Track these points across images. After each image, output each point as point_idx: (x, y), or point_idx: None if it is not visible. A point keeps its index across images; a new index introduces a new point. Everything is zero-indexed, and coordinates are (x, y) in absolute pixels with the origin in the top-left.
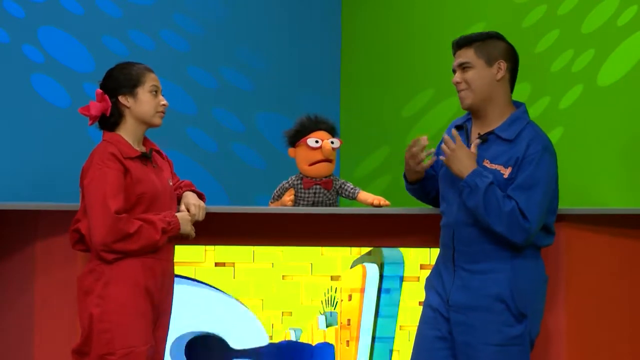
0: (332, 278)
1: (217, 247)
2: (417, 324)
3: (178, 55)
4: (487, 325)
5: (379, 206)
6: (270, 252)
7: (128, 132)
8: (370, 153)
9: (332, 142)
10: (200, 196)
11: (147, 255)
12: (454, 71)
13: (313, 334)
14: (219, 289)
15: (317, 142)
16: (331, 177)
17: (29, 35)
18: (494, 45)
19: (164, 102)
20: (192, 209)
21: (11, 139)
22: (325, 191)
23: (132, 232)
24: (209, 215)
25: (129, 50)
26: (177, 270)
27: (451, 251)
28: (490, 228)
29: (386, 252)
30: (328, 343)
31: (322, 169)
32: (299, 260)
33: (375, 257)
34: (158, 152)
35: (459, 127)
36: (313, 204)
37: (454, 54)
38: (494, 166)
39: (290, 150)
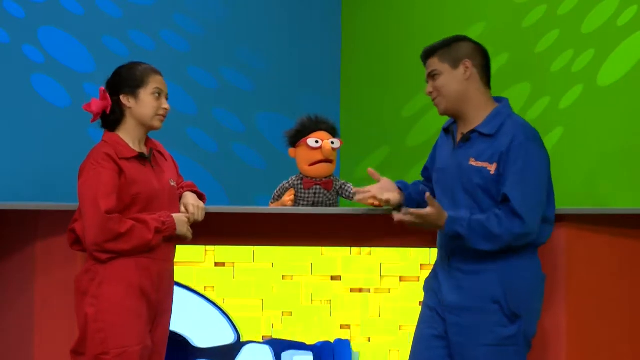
0: (332, 278)
1: (217, 247)
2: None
3: (178, 55)
4: (481, 325)
5: (379, 206)
6: (270, 252)
7: (128, 132)
8: (370, 153)
9: (332, 143)
10: (201, 197)
11: (142, 255)
12: (427, 83)
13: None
14: (186, 286)
15: (317, 142)
16: (331, 178)
17: (29, 35)
18: (456, 48)
19: (166, 105)
20: (191, 209)
21: (11, 139)
22: (326, 192)
23: (124, 232)
24: (208, 215)
25: (129, 50)
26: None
27: (446, 252)
28: (497, 249)
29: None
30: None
31: (322, 169)
32: (299, 260)
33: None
34: (161, 153)
35: (446, 131)
36: (313, 205)
37: (424, 66)
38: (480, 164)
39: (291, 151)
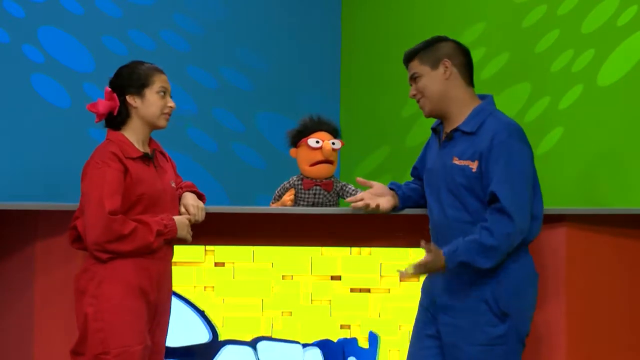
0: (332, 278)
1: (217, 247)
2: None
3: (178, 55)
4: (471, 325)
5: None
6: (270, 252)
7: (133, 132)
8: (370, 153)
9: (333, 143)
10: (201, 197)
11: (141, 255)
12: (411, 86)
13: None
14: None
15: (317, 142)
16: (332, 179)
17: (29, 35)
18: (435, 49)
19: (171, 104)
20: (191, 210)
21: (11, 139)
22: (326, 192)
23: (127, 234)
24: (208, 215)
25: (129, 50)
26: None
27: None
28: (500, 259)
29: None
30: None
31: (322, 170)
32: (299, 260)
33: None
34: (162, 153)
35: (434, 131)
36: (313, 205)
37: (406, 69)
38: (463, 162)
39: (292, 151)
